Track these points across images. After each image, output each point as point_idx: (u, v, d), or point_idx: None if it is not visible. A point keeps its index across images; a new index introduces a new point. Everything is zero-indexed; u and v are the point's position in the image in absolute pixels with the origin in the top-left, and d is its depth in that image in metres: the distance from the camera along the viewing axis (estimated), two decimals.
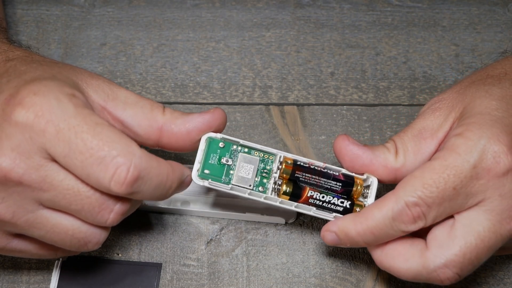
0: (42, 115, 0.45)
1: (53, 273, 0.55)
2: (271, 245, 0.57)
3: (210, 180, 0.51)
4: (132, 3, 0.69)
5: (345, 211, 0.51)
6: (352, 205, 0.51)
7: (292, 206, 0.51)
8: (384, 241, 0.49)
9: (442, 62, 0.66)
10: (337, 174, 0.52)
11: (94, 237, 0.48)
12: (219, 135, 0.52)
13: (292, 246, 0.57)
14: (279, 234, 0.57)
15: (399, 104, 0.64)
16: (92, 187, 0.46)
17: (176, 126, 0.50)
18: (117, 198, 0.47)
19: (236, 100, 0.64)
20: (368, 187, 0.52)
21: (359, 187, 0.52)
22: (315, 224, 0.58)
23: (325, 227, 0.51)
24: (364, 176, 0.52)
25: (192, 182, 0.50)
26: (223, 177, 0.51)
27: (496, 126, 0.47)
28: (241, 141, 0.52)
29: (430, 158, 0.51)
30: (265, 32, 0.68)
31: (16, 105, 0.45)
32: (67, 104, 0.45)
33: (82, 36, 0.67)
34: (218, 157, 0.51)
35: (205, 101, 0.64)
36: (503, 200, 0.47)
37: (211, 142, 0.51)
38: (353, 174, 0.52)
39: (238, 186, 0.51)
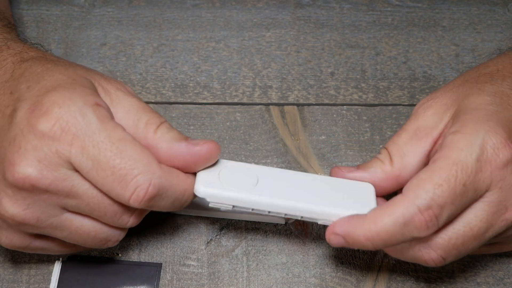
0: (68, 131, 0.46)
1: (53, 273, 0.55)
2: (271, 245, 0.57)
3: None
4: (132, 3, 0.69)
5: None
6: None
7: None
8: (393, 246, 0.49)
9: (442, 62, 0.66)
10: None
11: (114, 236, 0.50)
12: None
13: (292, 246, 0.57)
14: (279, 234, 0.57)
15: (399, 104, 0.64)
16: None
17: (161, 149, 0.49)
18: None
19: (236, 100, 0.64)
20: None
21: None
22: (315, 224, 0.58)
23: (330, 229, 0.49)
24: None
25: None
26: None
27: (491, 119, 0.47)
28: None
29: (426, 157, 0.51)
30: (265, 32, 0.68)
31: (41, 116, 0.46)
32: (92, 118, 0.46)
33: (82, 36, 0.67)
34: None
35: (205, 101, 0.64)
36: (502, 192, 0.47)
37: None
38: None
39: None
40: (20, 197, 0.46)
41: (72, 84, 0.48)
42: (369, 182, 0.51)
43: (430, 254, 0.48)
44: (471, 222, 0.47)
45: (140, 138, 0.49)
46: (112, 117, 0.48)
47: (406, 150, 0.50)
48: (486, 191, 0.47)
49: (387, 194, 0.52)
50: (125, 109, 0.50)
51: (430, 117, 0.51)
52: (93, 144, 0.46)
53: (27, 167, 0.45)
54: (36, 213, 0.47)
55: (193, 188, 0.49)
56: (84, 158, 0.46)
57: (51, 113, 0.46)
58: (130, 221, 0.50)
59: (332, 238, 0.49)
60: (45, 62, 0.50)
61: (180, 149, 0.49)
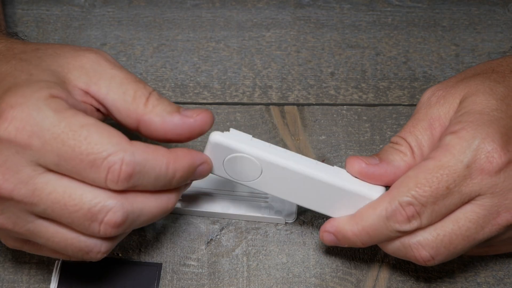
0: (23, 129, 0.44)
1: (53, 273, 0.55)
2: (271, 245, 0.57)
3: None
4: (132, 3, 0.69)
5: None
6: None
7: None
8: (380, 242, 0.50)
9: (442, 62, 0.66)
10: None
11: (94, 247, 0.47)
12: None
13: (292, 246, 0.57)
14: (279, 234, 0.57)
15: (399, 104, 0.64)
16: (80, 201, 0.45)
17: (154, 124, 0.48)
18: (106, 210, 0.45)
19: (236, 100, 0.64)
20: None
21: None
22: (315, 224, 0.58)
23: (323, 227, 0.52)
24: None
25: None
26: None
27: (492, 126, 0.48)
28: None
29: None
30: (265, 32, 0.68)
31: None
32: (47, 111, 0.44)
33: (82, 36, 0.67)
34: None
35: (205, 101, 0.64)
36: (494, 197, 0.47)
37: None
38: None
39: None
40: None
41: (27, 81, 0.46)
42: (393, 177, 0.50)
43: (419, 251, 0.49)
44: (460, 221, 0.48)
45: (130, 113, 0.47)
46: (71, 105, 0.46)
47: (424, 141, 0.50)
48: (478, 195, 0.47)
49: None
50: (107, 82, 0.48)
51: (442, 106, 0.51)
52: (54, 137, 0.44)
53: None
54: (11, 219, 0.46)
55: (178, 162, 0.47)
56: (48, 153, 0.44)
57: (4, 116, 0.44)
58: (101, 229, 0.45)
59: (325, 235, 0.52)
60: (10, 58, 0.49)
61: (173, 123, 0.48)
